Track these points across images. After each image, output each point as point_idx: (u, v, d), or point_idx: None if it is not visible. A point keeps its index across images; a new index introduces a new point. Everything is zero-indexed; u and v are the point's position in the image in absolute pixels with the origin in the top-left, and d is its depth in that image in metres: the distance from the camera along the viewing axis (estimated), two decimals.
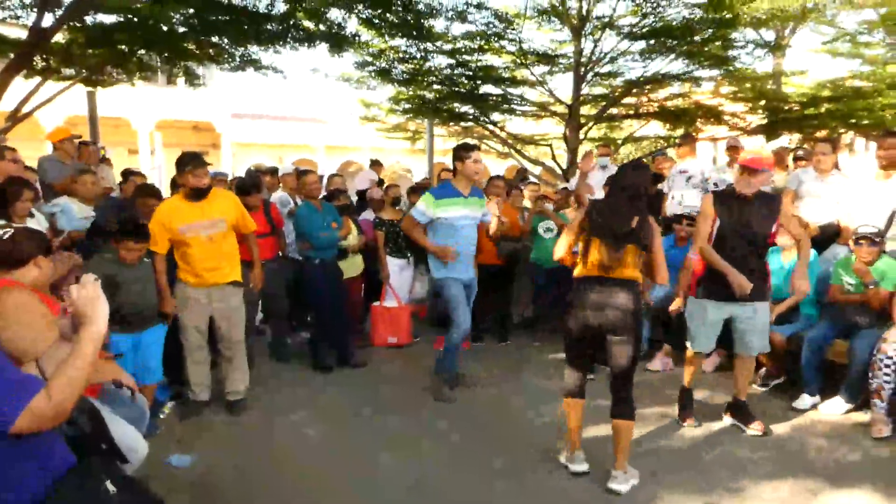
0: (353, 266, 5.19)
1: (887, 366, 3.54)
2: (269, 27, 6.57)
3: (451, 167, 4.20)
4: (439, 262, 4.09)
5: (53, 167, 5.10)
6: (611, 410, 2.98)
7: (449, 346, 4.14)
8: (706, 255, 3.43)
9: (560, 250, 3.15)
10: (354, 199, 6.48)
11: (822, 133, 9.01)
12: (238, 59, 7.53)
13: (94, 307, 1.55)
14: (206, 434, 3.58)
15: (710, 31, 7.74)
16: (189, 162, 3.58)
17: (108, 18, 6.32)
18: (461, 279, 4.13)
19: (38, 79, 7.03)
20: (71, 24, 6.10)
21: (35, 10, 5.74)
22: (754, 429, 3.56)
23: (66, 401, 1.44)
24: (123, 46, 6.70)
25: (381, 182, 6.93)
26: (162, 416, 3.66)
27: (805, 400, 3.97)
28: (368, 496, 2.89)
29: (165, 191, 6.38)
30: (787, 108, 9.19)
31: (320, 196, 4.98)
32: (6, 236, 2.06)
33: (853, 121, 8.95)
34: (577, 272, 3.05)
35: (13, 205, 3.54)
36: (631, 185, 2.98)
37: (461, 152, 4.02)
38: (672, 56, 8.51)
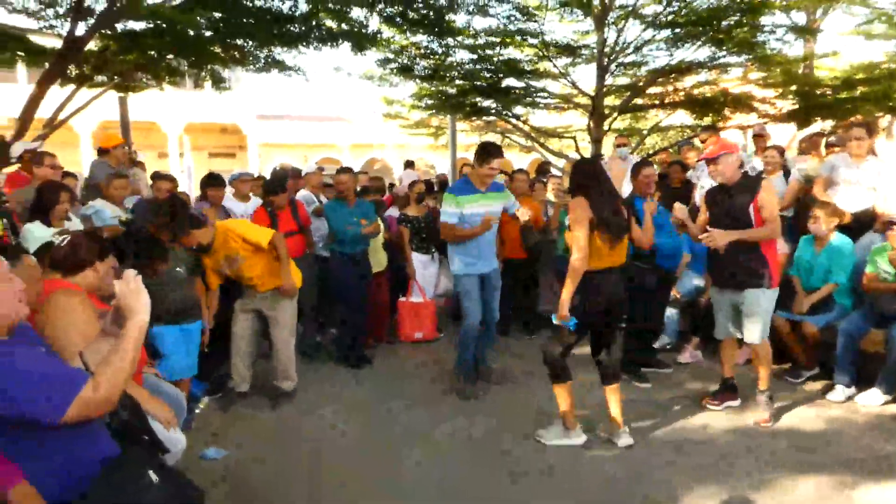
0: (376, 262, 5.25)
1: None
2: (292, 28, 6.66)
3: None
4: (457, 258, 4.12)
5: (103, 171, 5.36)
6: (603, 378, 3.37)
7: (462, 339, 4.19)
8: (691, 232, 3.72)
9: (583, 246, 3.09)
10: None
11: (857, 118, 8.72)
12: (263, 61, 7.65)
13: (137, 300, 1.63)
14: (238, 428, 3.68)
15: (738, 16, 7.55)
16: (193, 225, 3.59)
17: (138, 25, 6.49)
18: (478, 273, 4.15)
19: (72, 86, 7.26)
20: (103, 31, 6.30)
21: (69, 19, 5.94)
22: (758, 419, 3.56)
23: (113, 390, 1.52)
24: (153, 52, 6.89)
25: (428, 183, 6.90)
26: (198, 411, 3.77)
27: (839, 392, 3.88)
28: (393, 493, 2.93)
29: (195, 190, 6.57)
30: (819, 92, 8.92)
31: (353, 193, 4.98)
32: (64, 243, 2.18)
33: (890, 104, 8.64)
34: (591, 265, 3.10)
35: (52, 209, 3.70)
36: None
37: (482, 155, 3.98)
38: (698, 43, 8.34)
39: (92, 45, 6.54)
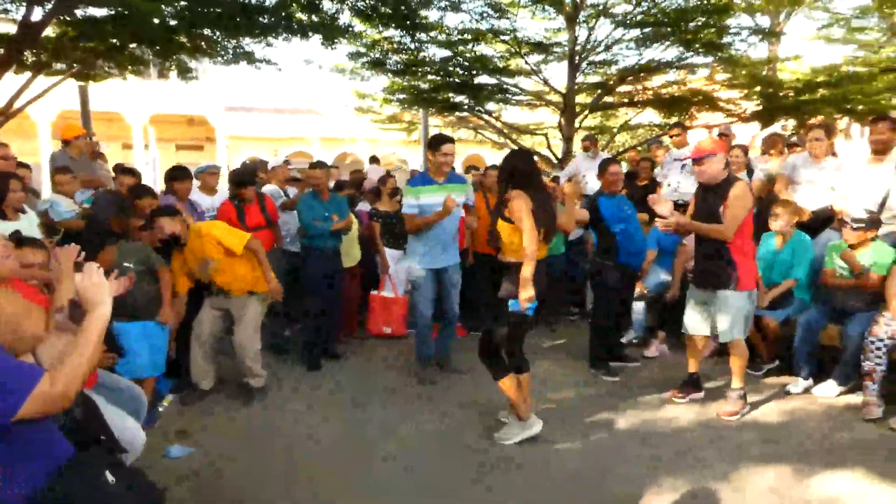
0: (350, 256, 5.19)
1: (878, 348, 3.58)
2: (261, 19, 6.52)
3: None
4: (413, 250, 4.21)
5: (64, 163, 5.20)
6: (521, 370, 3.34)
7: (418, 332, 4.31)
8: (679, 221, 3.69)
9: (535, 244, 3.07)
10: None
11: (817, 119, 9.01)
12: (231, 53, 7.48)
13: (98, 293, 1.57)
14: (206, 425, 3.60)
15: (705, 17, 7.72)
16: (154, 215, 3.62)
17: (99, 11, 6.26)
18: (434, 268, 4.18)
19: (29, 74, 6.98)
20: (61, 17, 6.06)
21: (24, 3, 5.69)
22: (724, 413, 3.63)
23: (71, 385, 1.46)
24: (114, 40, 6.65)
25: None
26: (162, 409, 3.68)
27: (798, 384, 4.01)
28: (365, 488, 2.92)
29: (160, 183, 6.39)
30: (782, 94, 9.19)
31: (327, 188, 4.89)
32: None
33: (848, 106, 8.96)
34: (539, 257, 3.12)
35: (5, 199, 3.55)
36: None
37: (433, 144, 4.17)
38: (667, 43, 8.50)
39: (49, 31, 6.29)
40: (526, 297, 3.04)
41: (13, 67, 6.25)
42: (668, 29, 7.98)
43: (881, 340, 3.59)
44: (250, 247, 3.76)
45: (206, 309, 3.93)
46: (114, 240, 3.25)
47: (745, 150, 5.76)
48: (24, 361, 1.51)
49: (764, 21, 10.90)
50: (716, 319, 3.61)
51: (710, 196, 3.55)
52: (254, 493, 2.82)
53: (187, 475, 2.99)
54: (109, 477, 1.53)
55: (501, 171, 3.32)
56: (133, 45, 7.00)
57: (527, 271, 3.03)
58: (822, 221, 4.72)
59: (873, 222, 3.91)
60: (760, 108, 9.45)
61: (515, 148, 11.26)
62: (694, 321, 3.77)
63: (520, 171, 3.22)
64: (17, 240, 2.52)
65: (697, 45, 8.40)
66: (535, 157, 10.26)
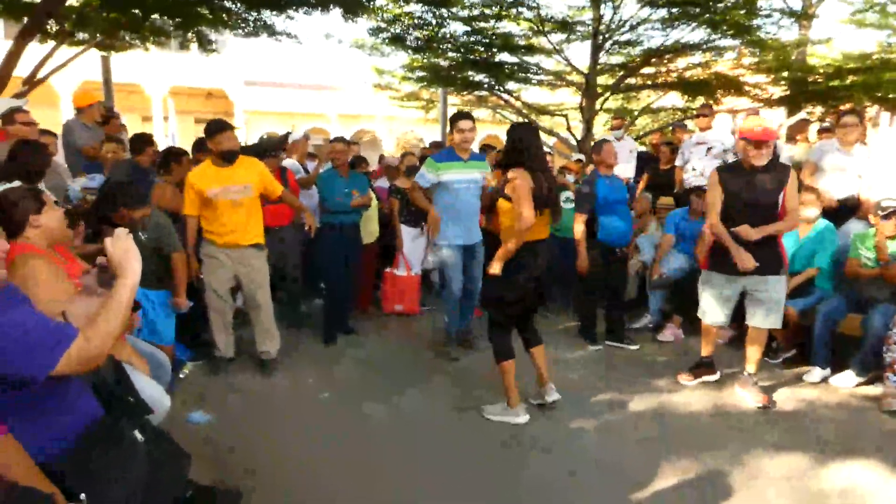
0: (368, 233, 5.21)
1: None
2: None
3: None
4: (444, 232, 4.22)
5: (83, 131, 5.21)
6: (530, 343, 3.41)
7: (446, 307, 4.37)
8: (716, 230, 3.49)
9: (526, 223, 3.08)
10: None
11: (846, 106, 8.78)
12: (251, 25, 7.44)
13: (128, 259, 1.59)
14: (224, 393, 3.67)
15: None
16: (220, 128, 3.69)
17: None
18: (459, 244, 4.21)
19: (52, 43, 7.01)
20: None
21: None
22: (758, 401, 3.58)
23: (104, 345, 1.50)
24: (136, 10, 6.65)
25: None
26: (182, 377, 3.75)
27: (816, 373, 3.98)
28: (374, 456, 2.96)
29: None
30: (811, 79, 8.95)
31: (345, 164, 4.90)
32: None
33: (879, 94, 8.70)
34: (530, 236, 3.15)
35: (44, 174, 3.57)
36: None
37: (452, 121, 4.20)
38: (694, 24, 8.28)
39: (73, 1, 6.30)
40: (495, 269, 3.16)
41: (37, 36, 6.28)
42: (697, 9, 7.77)
43: None
44: (285, 197, 4.00)
45: (210, 283, 3.85)
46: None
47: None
48: (59, 320, 1.54)
49: (796, 2, 10.58)
50: (757, 306, 3.52)
51: (759, 178, 3.37)
52: (267, 462, 2.88)
53: (206, 440, 3.06)
54: (138, 436, 1.57)
55: (506, 144, 3.31)
56: (155, 16, 7.00)
57: (510, 245, 3.13)
58: (847, 210, 4.63)
59: None
60: (787, 93, 9.22)
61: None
62: (713, 310, 3.70)
63: (525, 143, 3.18)
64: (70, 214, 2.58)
65: (725, 27, 8.17)
66: (555, 139, 10.18)
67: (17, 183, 3.49)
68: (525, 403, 3.39)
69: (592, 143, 8.90)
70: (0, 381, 1.39)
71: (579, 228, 4.44)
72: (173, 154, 4.23)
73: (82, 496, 1.43)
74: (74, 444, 1.56)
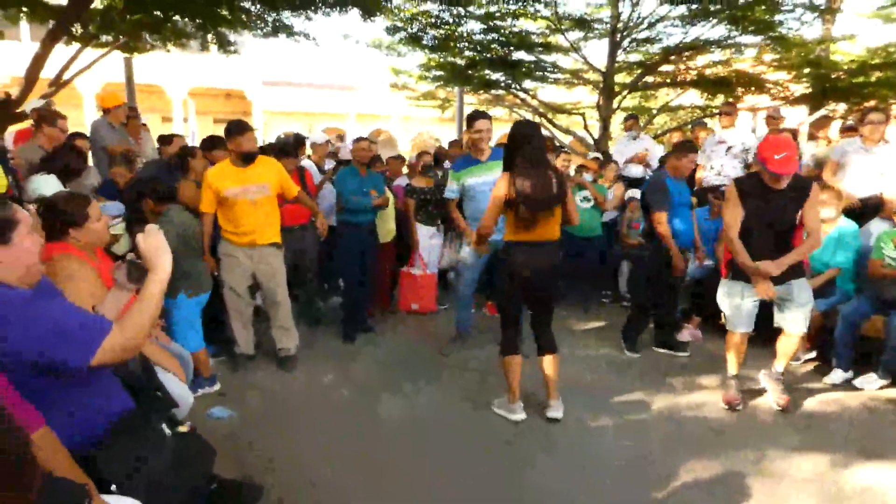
0: (385, 232, 5.25)
1: None
2: None
3: None
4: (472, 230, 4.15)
5: (109, 132, 5.33)
6: (541, 349, 3.36)
7: (460, 309, 4.48)
8: (734, 247, 3.39)
9: (493, 214, 3.23)
10: None
11: (870, 103, 8.61)
12: (271, 26, 7.53)
13: (159, 255, 1.64)
14: (244, 390, 3.74)
15: None
16: (240, 129, 3.75)
17: None
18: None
19: (77, 46, 7.16)
20: None
21: None
22: (780, 401, 3.54)
23: (137, 337, 1.55)
24: (158, 12, 6.76)
25: None
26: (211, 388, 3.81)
27: (837, 375, 3.92)
28: (390, 452, 2.99)
29: None
30: (834, 76, 8.78)
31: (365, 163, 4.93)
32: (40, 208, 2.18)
33: None
34: (514, 237, 3.24)
35: (81, 175, 3.67)
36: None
37: (469, 120, 4.16)
38: (714, 21, 8.18)
39: (98, 4, 6.43)
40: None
41: (63, 39, 6.42)
42: (718, 5, 7.66)
43: None
44: (300, 198, 4.07)
45: (228, 280, 3.90)
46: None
47: (794, 134, 5.57)
48: (95, 314, 1.60)
49: None
50: (785, 311, 3.45)
51: (779, 197, 3.25)
52: (286, 457, 2.93)
53: (227, 435, 3.12)
54: (166, 429, 1.61)
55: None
56: (176, 18, 7.11)
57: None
58: (869, 209, 4.55)
59: None
60: (809, 90, 9.06)
61: (535, 123, 11.13)
62: (738, 318, 3.53)
63: (520, 136, 3.15)
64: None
65: (747, 23, 8.05)
66: (571, 138, 10.13)
67: (54, 180, 3.57)
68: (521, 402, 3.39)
69: (609, 145, 8.84)
70: (38, 367, 1.44)
71: (664, 228, 4.20)
72: (187, 152, 4.32)
73: (113, 487, 1.47)
74: (107, 434, 1.60)
